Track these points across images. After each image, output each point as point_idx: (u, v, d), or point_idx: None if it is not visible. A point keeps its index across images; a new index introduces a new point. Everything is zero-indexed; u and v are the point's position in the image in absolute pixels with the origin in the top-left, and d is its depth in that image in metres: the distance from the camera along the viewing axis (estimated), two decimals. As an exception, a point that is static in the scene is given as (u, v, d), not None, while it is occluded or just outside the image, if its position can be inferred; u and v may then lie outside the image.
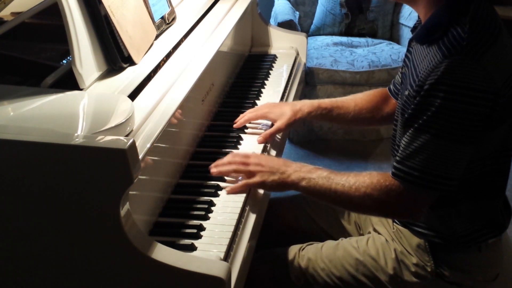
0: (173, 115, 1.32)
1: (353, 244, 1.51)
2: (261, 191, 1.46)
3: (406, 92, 1.29)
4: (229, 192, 1.41)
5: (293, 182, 1.37)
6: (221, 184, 1.44)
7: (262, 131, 1.67)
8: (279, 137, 1.73)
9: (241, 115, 1.71)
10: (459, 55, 1.16)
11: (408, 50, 1.40)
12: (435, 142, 1.20)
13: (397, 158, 1.27)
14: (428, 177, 1.22)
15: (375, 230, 1.54)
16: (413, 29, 1.43)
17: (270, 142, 1.65)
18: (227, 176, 1.46)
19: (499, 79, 1.19)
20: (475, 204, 1.36)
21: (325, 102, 1.68)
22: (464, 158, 1.23)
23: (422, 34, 1.28)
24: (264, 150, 1.62)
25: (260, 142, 1.63)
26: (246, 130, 1.70)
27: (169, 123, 1.29)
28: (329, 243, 1.55)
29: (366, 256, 1.47)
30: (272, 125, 1.68)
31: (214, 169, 1.45)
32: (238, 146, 1.62)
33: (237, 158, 1.45)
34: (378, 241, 1.49)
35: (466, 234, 1.37)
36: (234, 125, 1.69)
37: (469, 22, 1.19)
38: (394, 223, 1.49)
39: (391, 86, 1.63)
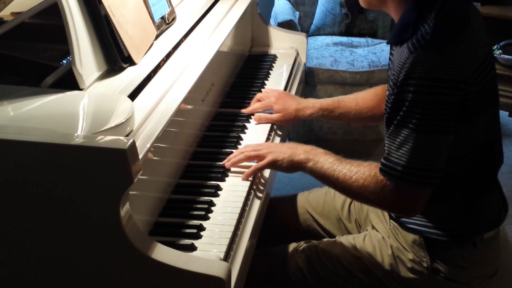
0: (173, 115, 1.32)
1: (350, 241, 1.52)
2: (261, 188, 1.47)
3: (387, 93, 1.32)
4: (244, 178, 1.45)
5: (301, 161, 1.43)
6: (222, 184, 1.45)
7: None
8: (280, 132, 1.74)
9: (254, 99, 1.81)
10: (422, 49, 1.20)
11: (390, 53, 1.43)
12: (415, 135, 1.22)
13: (384, 155, 1.29)
14: (412, 171, 1.24)
15: (373, 227, 1.55)
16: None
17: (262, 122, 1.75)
18: (239, 166, 1.51)
19: (468, 68, 1.22)
20: (469, 197, 1.38)
21: (327, 102, 1.73)
22: (445, 148, 1.25)
23: (394, 35, 1.31)
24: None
25: (255, 120, 1.73)
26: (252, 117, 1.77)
27: (170, 122, 1.29)
28: (327, 241, 1.57)
29: (363, 252, 1.48)
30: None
31: (227, 162, 1.50)
32: (238, 146, 1.62)
33: (248, 148, 1.51)
34: (374, 237, 1.50)
35: (462, 227, 1.38)
36: (243, 110, 1.79)
37: (434, 18, 1.23)
38: (391, 220, 1.49)
39: None
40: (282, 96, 1.77)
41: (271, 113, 1.76)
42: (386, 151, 1.29)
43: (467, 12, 1.28)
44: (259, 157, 1.47)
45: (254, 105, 1.78)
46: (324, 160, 1.39)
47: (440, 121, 1.22)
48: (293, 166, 1.44)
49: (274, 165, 1.46)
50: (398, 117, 1.24)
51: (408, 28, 1.25)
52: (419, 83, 1.19)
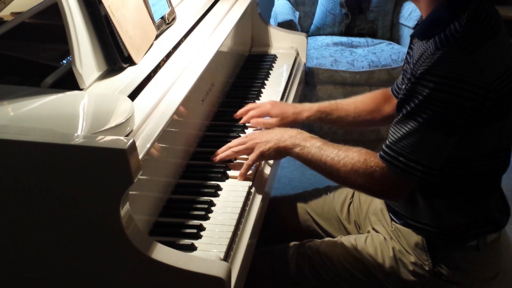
0: (173, 115, 1.32)
1: (352, 242, 1.52)
2: (261, 188, 1.47)
3: (403, 86, 1.32)
4: (240, 179, 1.45)
5: (287, 147, 1.42)
6: (222, 184, 1.45)
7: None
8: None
9: (243, 109, 1.73)
10: (451, 47, 1.19)
11: (409, 47, 1.42)
12: (422, 130, 1.23)
13: (387, 141, 1.29)
14: (412, 164, 1.25)
15: (374, 229, 1.54)
16: (414, 27, 1.45)
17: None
18: (229, 160, 1.51)
19: (491, 74, 1.21)
20: (467, 199, 1.38)
21: (325, 105, 1.71)
22: (447, 149, 1.25)
23: (422, 29, 1.31)
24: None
25: (252, 124, 1.69)
26: (247, 125, 1.72)
27: (170, 122, 1.29)
28: (328, 241, 1.56)
29: (364, 253, 1.48)
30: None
31: (215, 157, 1.50)
32: (238, 146, 1.62)
33: (234, 142, 1.51)
34: (376, 239, 1.50)
35: (460, 226, 1.38)
36: (235, 115, 1.73)
37: (467, 18, 1.21)
38: (393, 222, 1.49)
39: (394, 86, 1.64)
40: (277, 103, 1.76)
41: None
42: (389, 138, 1.29)
43: (499, 18, 1.27)
44: (247, 150, 1.47)
45: (250, 113, 1.71)
46: (311, 144, 1.39)
47: (450, 122, 1.22)
48: (280, 153, 1.44)
49: (262, 156, 1.46)
50: (409, 108, 1.24)
51: (438, 24, 1.24)
52: (439, 81, 1.19)
